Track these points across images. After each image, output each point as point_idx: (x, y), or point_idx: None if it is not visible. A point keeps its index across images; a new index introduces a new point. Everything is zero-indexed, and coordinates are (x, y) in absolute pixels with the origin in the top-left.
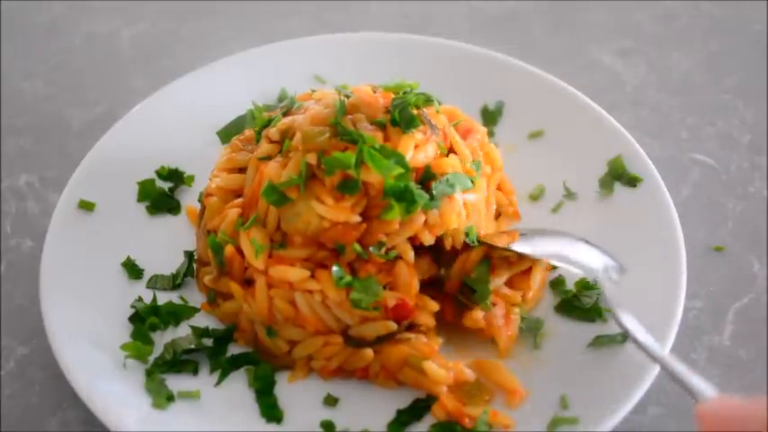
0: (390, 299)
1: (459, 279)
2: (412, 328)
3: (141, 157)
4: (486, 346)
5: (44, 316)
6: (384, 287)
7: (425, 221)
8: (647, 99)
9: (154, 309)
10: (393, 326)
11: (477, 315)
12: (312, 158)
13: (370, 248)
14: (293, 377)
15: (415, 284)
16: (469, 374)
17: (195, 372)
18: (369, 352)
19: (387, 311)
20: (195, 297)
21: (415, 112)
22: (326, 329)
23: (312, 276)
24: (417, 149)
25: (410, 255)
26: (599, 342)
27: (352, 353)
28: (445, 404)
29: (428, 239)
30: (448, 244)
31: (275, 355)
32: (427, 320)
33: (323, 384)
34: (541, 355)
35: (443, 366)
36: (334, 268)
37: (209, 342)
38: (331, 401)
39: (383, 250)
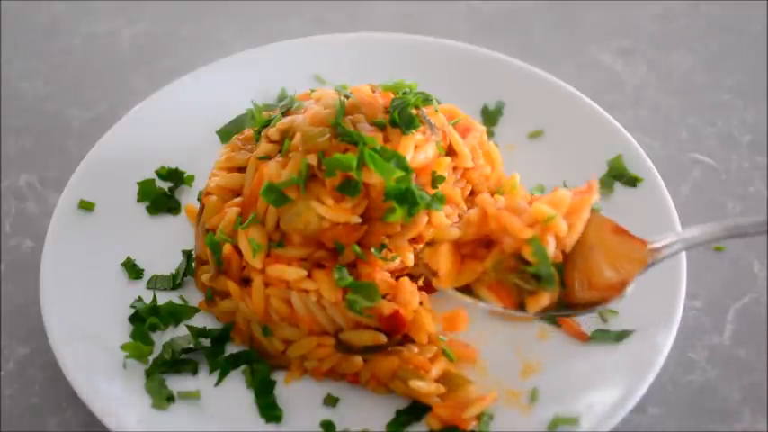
0: (386, 308)
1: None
2: (405, 341)
3: (141, 157)
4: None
5: (44, 316)
6: (384, 296)
7: (429, 221)
8: (647, 99)
9: (154, 309)
10: (382, 338)
11: (544, 300)
12: (313, 159)
13: (372, 250)
14: (289, 377)
15: (415, 302)
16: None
17: (195, 372)
18: (358, 359)
19: (380, 320)
20: (195, 297)
21: (414, 111)
22: (320, 330)
23: (309, 276)
24: (417, 150)
25: (410, 259)
26: (598, 337)
27: (344, 357)
28: (439, 414)
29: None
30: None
31: (271, 354)
32: (422, 338)
33: (322, 384)
34: (542, 355)
35: (431, 379)
36: (337, 267)
37: (206, 342)
38: (331, 401)
39: (384, 252)
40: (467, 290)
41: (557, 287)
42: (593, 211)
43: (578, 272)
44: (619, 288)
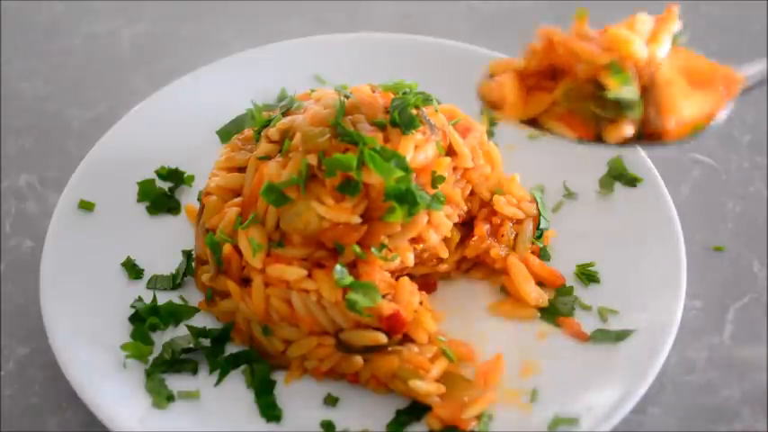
0: (386, 308)
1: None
2: (405, 341)
3: (141, 157)
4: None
5: (44, 316)
6: (384, 296)
7: (429, 221)
8: None
9: (154, 309)
10: (383, 339)
11: (626, 128)
12: (313, 159)
13: (372, 250)
14: (289, 377)
15: (415, 302)
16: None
17: (195, 372)
18: (358, 359)
19: (381, 320)
20: (195, 297)
21: (414, 111)
22: (320, 330)
23: (309, 276)
24: (417, 150)
25: (410, 258)
26: (598, 337)
27: (344, 357)
28: (439, 414)
29: (434, 239)
30: None
31: (271, 354)
32: (422, 338)
33: (322, 384)
34: (541, 354)
35: (431, 379)
36: (337, 267)
37: (206, 342)
38: (331, 401)
39: (384, 252)
40: (533, 123)
41: (639, 114)
42: (674, 39)
43: (660, 104)
44: (709, 117)
